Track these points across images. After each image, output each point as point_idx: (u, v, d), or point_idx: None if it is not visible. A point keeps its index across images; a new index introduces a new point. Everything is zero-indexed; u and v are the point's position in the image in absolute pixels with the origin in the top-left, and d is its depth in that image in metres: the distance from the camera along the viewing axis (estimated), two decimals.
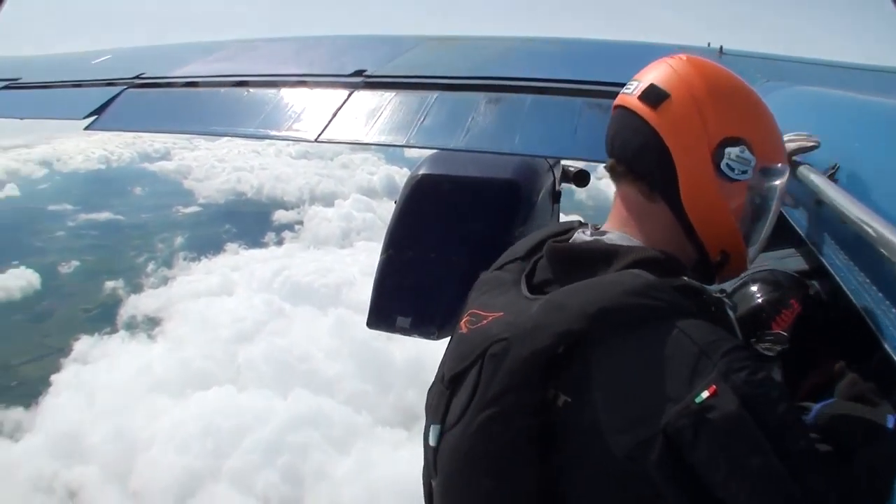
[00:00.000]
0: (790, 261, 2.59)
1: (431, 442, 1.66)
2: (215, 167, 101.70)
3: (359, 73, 3.90)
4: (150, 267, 61.41)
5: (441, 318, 3.88)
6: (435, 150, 4.34)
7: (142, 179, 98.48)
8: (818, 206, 1.92)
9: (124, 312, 51.07)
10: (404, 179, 4.41)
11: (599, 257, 1.62)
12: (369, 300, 4.04)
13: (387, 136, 3.44)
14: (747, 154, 1.66)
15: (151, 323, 47.95)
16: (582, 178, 5.20)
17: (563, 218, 4.91)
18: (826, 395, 1.68)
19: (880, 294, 1.60)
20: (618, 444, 1.38)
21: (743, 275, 2.14)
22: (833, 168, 1.91)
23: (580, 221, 1.86)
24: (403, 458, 25.85)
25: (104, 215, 77.34)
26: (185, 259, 62.42)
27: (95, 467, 30.09)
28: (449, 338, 1.83)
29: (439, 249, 3.97)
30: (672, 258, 1.62)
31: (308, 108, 3.78)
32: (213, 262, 59.86)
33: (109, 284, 56.74)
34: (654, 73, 1.75)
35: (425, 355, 35.30)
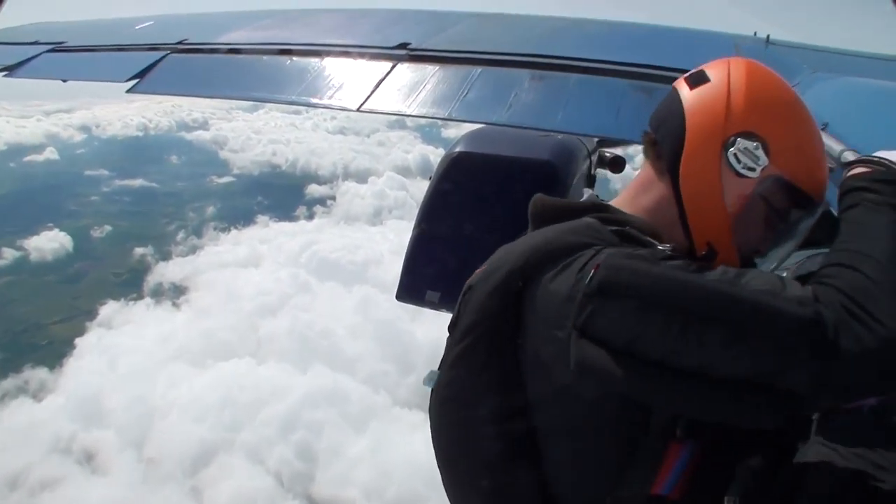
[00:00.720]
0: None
1: (429, 384, 1.85)
2: (251, 139, 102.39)
3: (403, 45, 3.91)
4: (181, 235, 62.07)
5: None
6: (472, 129, 4.42)
7: (178, 148, 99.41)
8: None
9: (151, 279, 51.74)
10: (439, 159, 4.42)
11: (572, 211, 1.73)
12: (400, 273, 4.11)
13: (428, 109, 3.45)
14: (760, 153, 1.64)
15: (177, 291, 48.43)
16: (617, 164, 5.18)
17: None
18: None
19: None
20: (555, 364, 1.52)
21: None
22: None
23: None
24: (419, 440, 25.50)
25: (138, 182, 78.22)
26: (215, 229, 62.98)
27: (113, 432, 30.54)
28: None
29: (472, 226, 3.99)
30: (642, 222, 1.70)
31: (350, 78, 3.80)
32: (242, 233, 60.22)
33: (139, 251, 57.51)
34: (713, 64, 1.78)
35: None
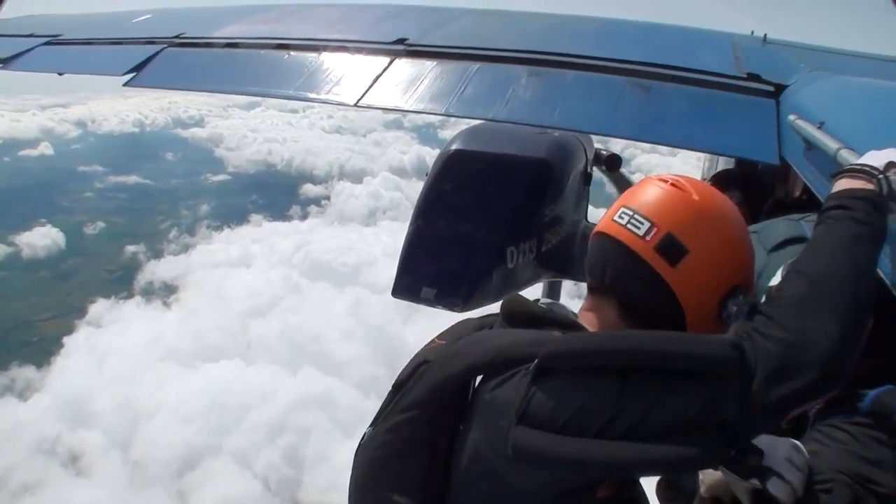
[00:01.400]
0: None
1: (362, 440, 1.88)
2: (247, 137, 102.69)
3: (401, 41, 3.87)
4: (173, 233, 61.91)
5: (466, 291, 3.95)
6: (468, 126, 4.40)
7: (174, 145, 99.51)
8: None
9: (142, 278, 51.64)
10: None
11: (543, 320, 1.77)
12: (396, 269, 4.08)
13: (426, 104, 3.42)
14: (745, 300, 1.72)
15: (168, 290, 48.32)
16: (613, 162, 5.20)
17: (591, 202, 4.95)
18: (887, 380, 1.71)
19: None
20: (493, 454, 1.62)
21: None
22: None
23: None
24: None
25: (133, 178, 78.23)
26: (207, 227, 62.85)
27: (99, 433, 30.25)
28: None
29: (468, 223, 4.00)
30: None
31: (348, 73, 3.77)
32: (235, 232, 60.08)
33: (130, 248, 57.36)
34: (668, 217, 1.71)
35: None
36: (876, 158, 1.73)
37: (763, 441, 1.55)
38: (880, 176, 1.66)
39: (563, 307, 1.93)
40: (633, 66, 3.37)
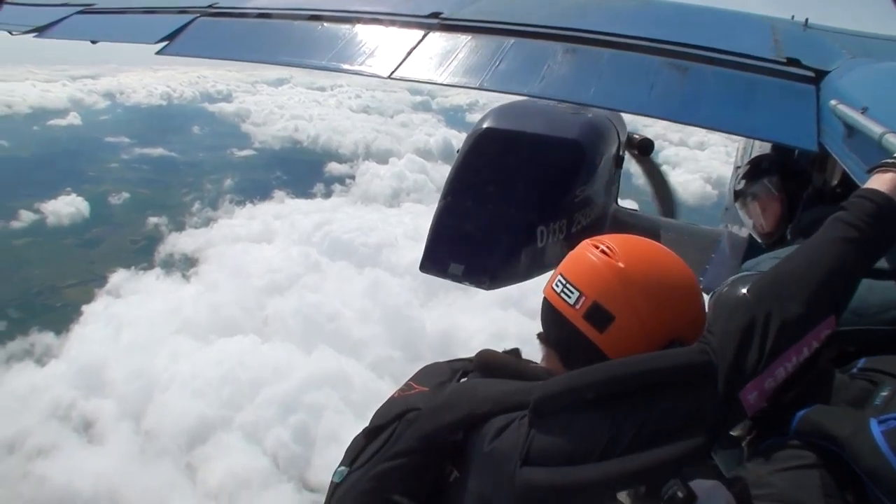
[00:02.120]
0: None
1: (336, 479, 1.90)
2: (274, 113, 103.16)
3: (435, 14, 3.86)
4: (196, 206, 62.31)
5: (494, 269, 4.05)
6: (501, 104, 4.51)
7: (201, 119, 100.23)
8: None
9: (163, 250, 51.95)
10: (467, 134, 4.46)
11: (512, 371, 1.90)
12: (424, 244, 4.17)
13: (460, 78, 3.42)
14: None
15: (188, 263, 48.54)
16: (645, 147, 5.17)
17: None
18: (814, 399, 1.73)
19: None
20: (497, 497, 1.65)
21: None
22: None
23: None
24: None
25: (159, 151, 78.83)
26: (230, 202, 63.11)
27: (112, 402, 30.51)
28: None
29: (497, 202, 4.08)
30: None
31: (382, 45, 3.80)
32: (257, 207, 60.15)
33: (153, 220, 57.83)
34: (594, 286, 1.82)
35: (456, 329, 35.23)
36: None
37: (698, 487, 1.58)
38: None
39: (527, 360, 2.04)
40: (670, 47, 3.35)
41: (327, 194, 67.12)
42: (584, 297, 1.81)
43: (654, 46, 3.35)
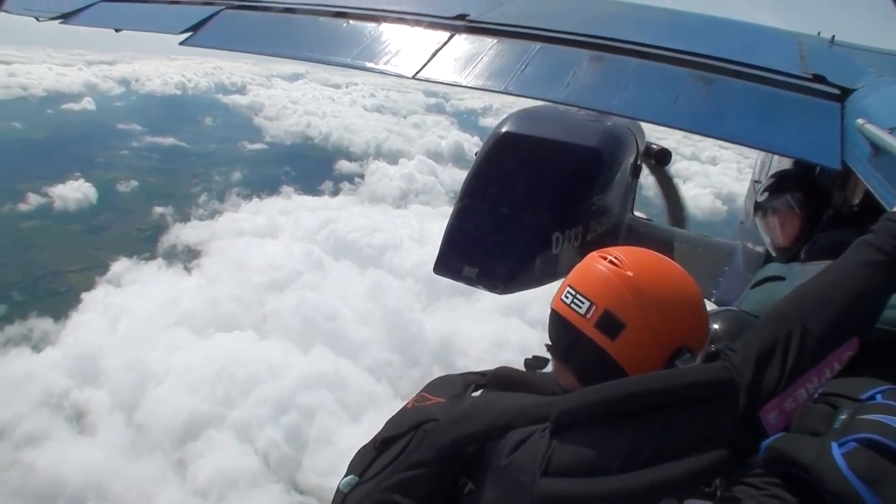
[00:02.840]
0: None
1: (344, 489, 1.91)
2: (288, 108, 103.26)
3: (461, 16, 3.85)
4: (203, 198, 62.29)
5: (508, 274, 4.05)
6: (521, 108, 4.52)
7: (214, 110, 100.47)
8: None
9: (166, 240, 51.91)
10: (474, 148, 4.44)
11: (525, 383, 1.94)
12: (439, 246, 4.19)
13: (484, 81, 3.40)
14: (691, 357, 1.83)
15: (190, 255, 48.41)
16: (663, 158, 5.16)
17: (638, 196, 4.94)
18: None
19: None
20: None
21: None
22: None
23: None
24: None
25: (169, 140, 79.04)
26: (237, 195, 63.06)
27: (106, 393, 30.38)
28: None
29: (514, 207, 4.09)
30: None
31: (407, 45, 3.81)
32: (264, 202, 60.04)
33: (158, 210, 57.83)
34: (605, 295, 1.85)
35: (456, 335, 35.04)
36: None
37: None
38: None
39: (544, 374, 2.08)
40: (695, 59, 3.33)
41: (335, 192, 67.14)
42: (595, 307, 1.82)
43: (679, 58, 3.33)
